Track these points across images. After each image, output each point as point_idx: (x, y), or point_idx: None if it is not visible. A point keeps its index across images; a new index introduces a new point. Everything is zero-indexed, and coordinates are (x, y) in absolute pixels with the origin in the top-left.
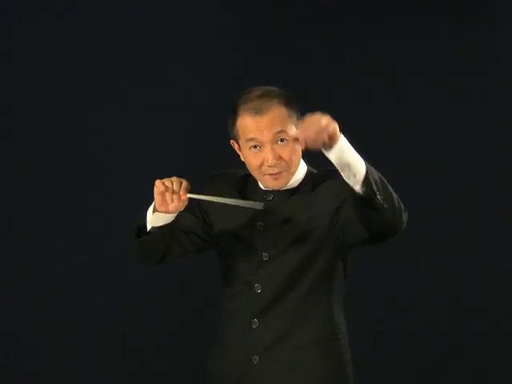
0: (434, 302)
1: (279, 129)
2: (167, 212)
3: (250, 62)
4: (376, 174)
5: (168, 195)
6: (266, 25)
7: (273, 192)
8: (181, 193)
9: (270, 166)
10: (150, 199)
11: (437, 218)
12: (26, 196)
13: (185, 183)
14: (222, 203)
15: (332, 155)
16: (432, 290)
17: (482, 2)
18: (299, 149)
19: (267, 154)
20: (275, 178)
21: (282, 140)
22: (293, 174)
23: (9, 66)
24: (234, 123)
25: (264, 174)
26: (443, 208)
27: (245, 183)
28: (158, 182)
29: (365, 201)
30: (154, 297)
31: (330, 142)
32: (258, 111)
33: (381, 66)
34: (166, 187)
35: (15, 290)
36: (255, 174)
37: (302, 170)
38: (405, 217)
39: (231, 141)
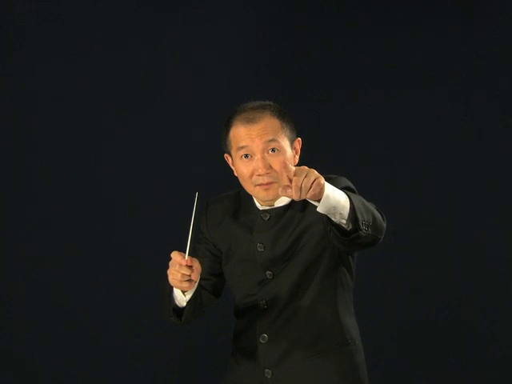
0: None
1: (271, 137)
2: (189, 288)
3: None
4: (357, 202)
5: (179, 282)
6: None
7: (269, 211)
8: (191, 276)
9: (259, 175)
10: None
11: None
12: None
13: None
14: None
15: (320, 207)
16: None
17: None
18: (292, 160)
19: (257, 163)
20: (265, 189)
21: (273, 150)
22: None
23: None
24: (227, 134)
25: (255, 185)
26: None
27: (239, 204)
28: (169, 275)
29: (349, 234)
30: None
31: (317, 195)
32: (250, 120)
33: (405, 65)
34: (178, 275)
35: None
36: (247, 185)
37: None
38: (384, 226)
39: (225, 155)
